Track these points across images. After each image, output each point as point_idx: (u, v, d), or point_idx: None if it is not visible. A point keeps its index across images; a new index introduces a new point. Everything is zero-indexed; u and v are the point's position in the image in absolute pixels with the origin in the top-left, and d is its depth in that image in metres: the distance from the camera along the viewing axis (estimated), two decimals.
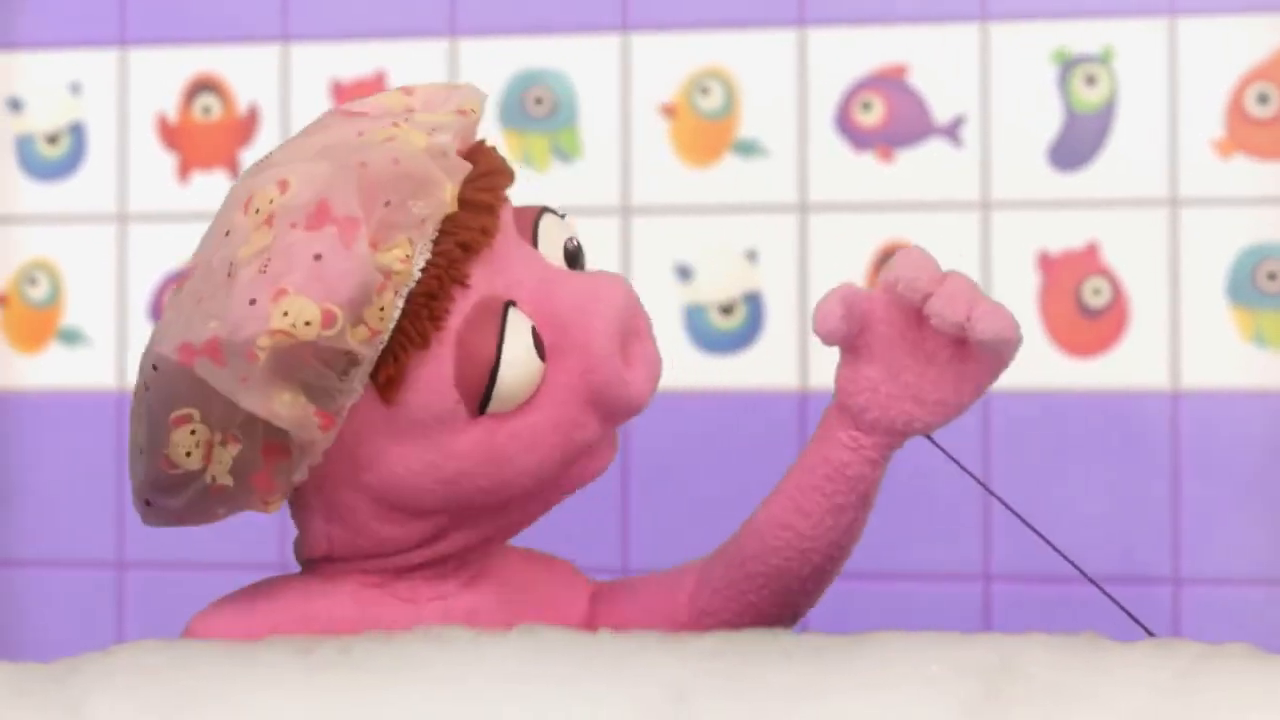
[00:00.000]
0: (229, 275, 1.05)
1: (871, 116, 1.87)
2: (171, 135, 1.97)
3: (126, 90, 1.98)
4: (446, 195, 1.07)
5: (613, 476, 1.55)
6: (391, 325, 1.06)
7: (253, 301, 1.03)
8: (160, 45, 1.98)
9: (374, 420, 1.08)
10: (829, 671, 0.94)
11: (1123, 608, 1.16)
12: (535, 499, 1.14)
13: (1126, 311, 1.82)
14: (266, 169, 1.09)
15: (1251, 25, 1.82)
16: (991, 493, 1.16)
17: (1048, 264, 1.83)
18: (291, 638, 1.02)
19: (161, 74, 1.97)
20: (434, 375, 1.07)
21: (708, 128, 1.89)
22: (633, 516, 1.86)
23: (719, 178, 1.89)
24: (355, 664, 0.97)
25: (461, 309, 1.07)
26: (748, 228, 1.88)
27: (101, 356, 1.97)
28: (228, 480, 1.09)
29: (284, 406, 1.05)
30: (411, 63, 1.93)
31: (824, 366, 1.67)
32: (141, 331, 1.95)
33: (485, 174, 1.11)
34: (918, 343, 1.12)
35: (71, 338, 1.97)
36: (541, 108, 1.91)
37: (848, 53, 1.87)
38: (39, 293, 1.98)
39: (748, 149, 1.88)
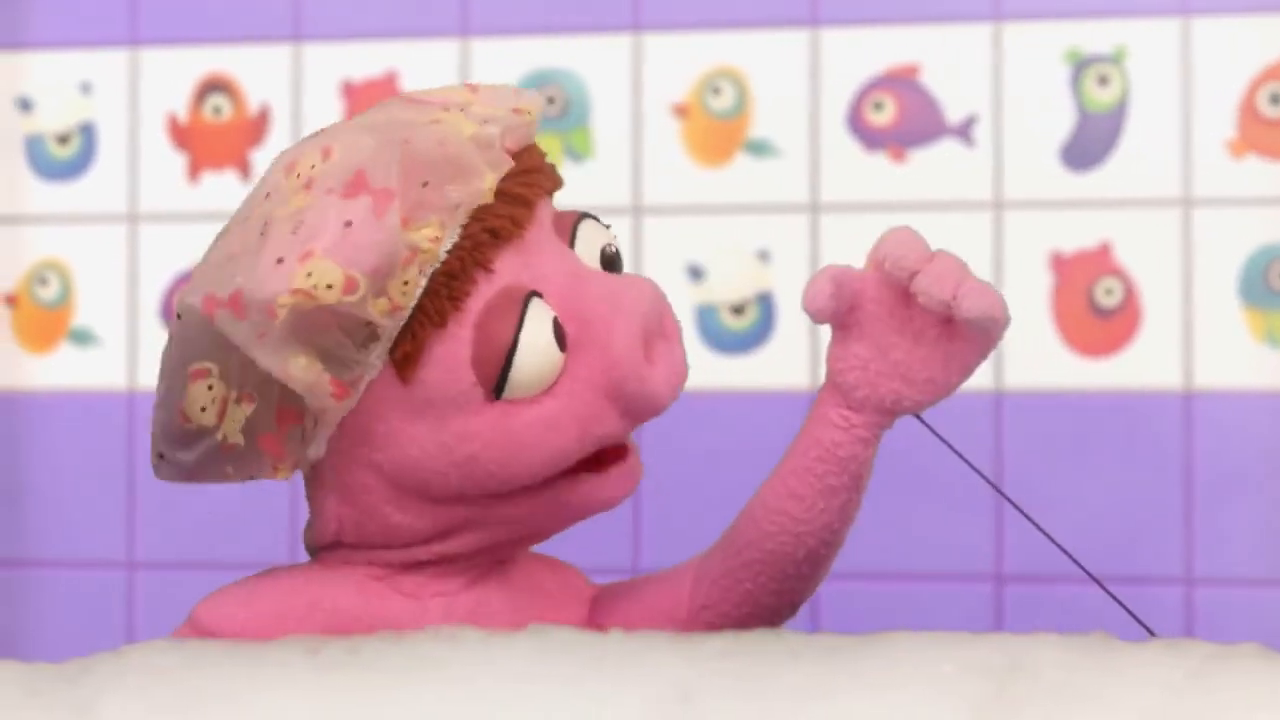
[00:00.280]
0: (262, 234, 1.07)
1: (883, 116, 1.86)
2: (182, 135, 1.97)
3: (137, 90, 1.98)
4: (485, 185, 1.09)
5: None
6: (413, 302, 1.07)
7: (280, 260, 1.05)
8: (171, 45, 1.98)
9: (390, 398, 1.09)
10: (837, 672, 0.94)
11: (1122, 605, 1.16)
12: (545, 507, 1.13)
13: (1139, 311, 1.82)
14: (316, 138, 1.12)
15: (1264, 25, 1.81)
16: (989, 482, 1.16)
17: (1060, 264, 1.83)
18: (300, 637, 1.02)
19: (172, 74, 1.97)
20: (451, 355, 1.08)
21: (719, 128, 1.89)
22: (644, 516, 1.86)
23: (730, 178, 1.89)
24: (364, 664, 0.97)
25: (484, 293, 1.09)
26: (759, 228, 1.87)
27: (112, 357, 1.97)
28: (239, 439, 1.11)
29: (299, 369, 1.06)
30: (423, 63, 1.93)
31: None
32: (152, 332, 1.95)
33: (527, 170, 1.13)
34: (906, 321, 1.13)
35: (82, 338, 1.97)
36: (553, 108, 1.91)
37: (859, 53, 1.87)
38: (49, 293, 1.98)
39: (759, 149, 1.88)
